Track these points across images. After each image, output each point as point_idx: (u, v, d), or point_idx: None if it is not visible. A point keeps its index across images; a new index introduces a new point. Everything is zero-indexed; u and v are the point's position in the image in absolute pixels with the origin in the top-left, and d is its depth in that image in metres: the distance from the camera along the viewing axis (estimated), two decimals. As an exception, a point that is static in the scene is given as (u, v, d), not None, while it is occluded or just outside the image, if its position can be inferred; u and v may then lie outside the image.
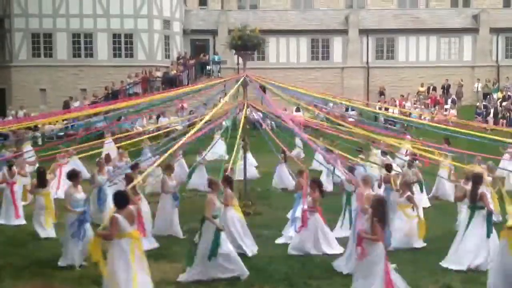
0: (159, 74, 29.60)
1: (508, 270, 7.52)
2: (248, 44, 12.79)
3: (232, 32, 13.51)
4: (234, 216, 9.92)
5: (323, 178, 14.67)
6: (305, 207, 9.87)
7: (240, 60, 18.20)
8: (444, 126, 14.05)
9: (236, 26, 13.48)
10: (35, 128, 24.32)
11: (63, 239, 9.49)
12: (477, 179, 9.33)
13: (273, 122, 18.80)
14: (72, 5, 30.15)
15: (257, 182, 16.99)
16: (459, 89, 31.57)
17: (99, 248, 7.44)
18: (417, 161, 13.73)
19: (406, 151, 15.59)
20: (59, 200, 12.35)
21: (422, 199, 13.20)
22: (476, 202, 9.15)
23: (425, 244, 10.28)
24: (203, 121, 11.18)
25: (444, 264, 9.22)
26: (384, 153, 15.34)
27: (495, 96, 30.48)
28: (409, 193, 10.32)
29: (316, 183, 10.09)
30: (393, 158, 15.90)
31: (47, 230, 11.18)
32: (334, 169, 14.34)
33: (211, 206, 8.53)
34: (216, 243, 8.29)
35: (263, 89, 14.82)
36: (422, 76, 32.20)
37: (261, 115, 16.37)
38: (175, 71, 29.49)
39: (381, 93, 31.52)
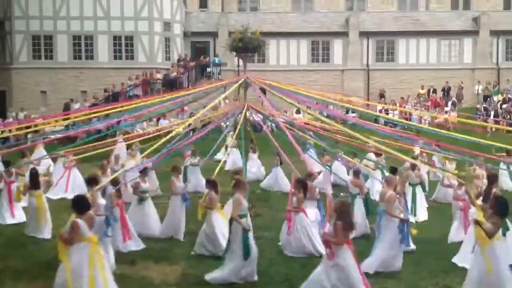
0: (159, 76, 29.61)
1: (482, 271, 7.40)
2: (248, 46, 12.76)
3: (232, 34, 13.53)
4: (219, 219, 9.88)
5: (320, 179, 14.63)
6: (289, 207, 9.97)
7: (241, 62, 18.21)
8: (446, 132, 14.15)
9: (237, 28, 13.47)
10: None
11: None
12: (492, 179, 9.31)
13: (273, 124, 18.76)
14: (72, 7, 30.17)
15: (257, 183, 16.99)
16: (459, 92, 31.59)
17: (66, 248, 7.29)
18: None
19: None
20: (67, 201, 12.27)
21: (423, 200, 13.37)
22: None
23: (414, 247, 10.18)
24: (193, 119, 11.02)
25: (459, 263, 9.16)
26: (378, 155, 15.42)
27: (495, 98, 30.52)
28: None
29: (301, 184, 9.97)
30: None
31: (41, 230, 11.18)
32: (331, 168, 14.38)
33: (238, 206, 8.41)
34: (246, 243, 8.21)
35: (263, 91, 14.81)
36: (423, 78, 32.22)
37: (261, 117, 16.34)
38: (175, 73, 29.49)
39: (381, 96, 31.51)
